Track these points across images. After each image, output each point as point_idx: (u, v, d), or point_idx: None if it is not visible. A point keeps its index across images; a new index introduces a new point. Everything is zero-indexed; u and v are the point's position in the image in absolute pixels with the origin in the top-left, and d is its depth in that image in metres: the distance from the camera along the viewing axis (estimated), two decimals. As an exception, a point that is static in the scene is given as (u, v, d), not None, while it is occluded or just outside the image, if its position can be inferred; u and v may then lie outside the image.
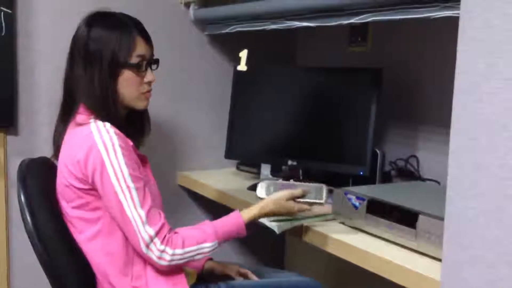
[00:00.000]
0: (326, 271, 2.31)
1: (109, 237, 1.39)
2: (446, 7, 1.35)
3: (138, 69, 1.43)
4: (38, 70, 1.98)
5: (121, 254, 1.39)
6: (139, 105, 1.48)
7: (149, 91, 1.49)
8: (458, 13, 1.07)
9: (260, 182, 1.54)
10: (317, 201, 1.48)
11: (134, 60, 1.42)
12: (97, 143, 1.33)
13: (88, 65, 1.40)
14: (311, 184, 1.52)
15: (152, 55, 1.49)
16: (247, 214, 1.45)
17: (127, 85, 1.43)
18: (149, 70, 1.47)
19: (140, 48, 1.43)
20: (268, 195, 1.49)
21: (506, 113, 0.99)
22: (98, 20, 1.44)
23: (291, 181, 1.57)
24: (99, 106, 1.40)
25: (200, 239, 1.37)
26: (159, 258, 1.34)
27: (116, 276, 1.40)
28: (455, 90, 1.07)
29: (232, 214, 1.45)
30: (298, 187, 1.50)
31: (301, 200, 1.48)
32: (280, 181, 1.57)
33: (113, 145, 1.33)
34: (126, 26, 1.43)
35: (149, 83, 1.47)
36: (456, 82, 1.07)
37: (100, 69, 1.39)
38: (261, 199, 1.49)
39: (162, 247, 1.33)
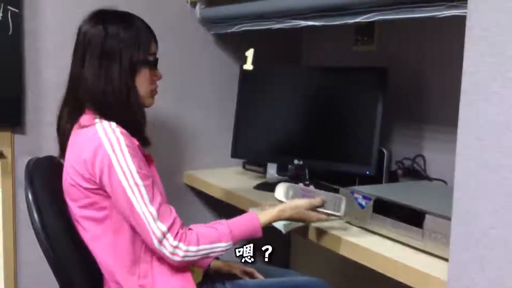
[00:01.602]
0: (332, 270, 2.30)
1: (116, 236, 1.40)
2: (452, 6, 1.34)
3: (154, 66, 1.47)
4: (45, 70, 1.99)
5: (128, 253, 1.40)
6: (149, 102, 1.50)
7: (156, 88, 1.51)
8: (465, 12, 1.06)
9: (280, 183, 1.53)
10: (336, 213, 1.48)
11: (150, 58, 1.45)
12: (104, 143, 1.34)
13: (105, 64, 1.39)
14: (330, 194, 1.52)
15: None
16: (264, 217, 1.44)
17: (143, 83, 1.45)
18: (157, 68, 1.50)
19: (153, 46, 1.47)
20: (287, 199, 1.49)
21: (514, 113, 0.99)
22: (112, 18, 1.43)
23: (311, 187, 1.56)
24: (115, 105, 1.39)
25: (215, 239, 1.37)
26: (172, 254, 1.33)
27: (123, 275, 1.40)
28: (462, 90, 1.07)
29: (248, 215, 1.45)
30: (317, 195, 1.49)
31: (320, 210, 1.47)
32: (300, 185, 1.55)
33: (119, 144, 1.34)
34: (141, 24, 1.45)
35: (157, 80, 1.50)
36: (463, 82, 1.07)
37: (120, 67, 1.40)
38: (280, 201, 1.49)
39: (175, 243, 1.33)
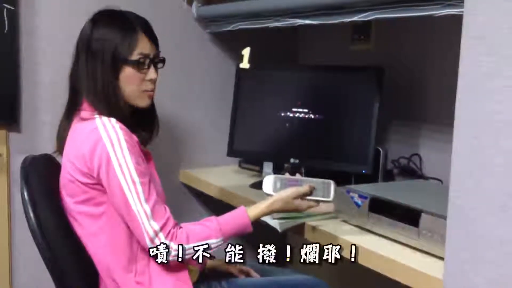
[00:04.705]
0: (328, 269, 2.30)
1: (113, 233, 1.40)
2: (449, 5, 1.34)
3: (138, 66, 1.44)
4: (41, 68, 1.98)
5: (125, 250, 1.40)
6: (141, 103, 1.48)
7: (152, 90, 1.49)
8: (462, 11, 1.06)
9: (266, 176, 1.52)
10: (325, 199, 1.47)
11: (135, 57, 1.43)
12: (103, 137, 1.34)
13: (91, 61, 1.42)
14: (318, 180, 1.50)
15: (158, 54, 1.49)
16: (254, 211, 1.44)
17: (128, 82, 1.43)
18: (152, 68, 1.47)
19: (143, 46, 1.44)
20: (275, 191, 1.48)
21: (510, 112, 0.99)
22: (103, 17, 1.45)
23: (297, 176, 1.56)
24: (102, 102, 1.41)
25: (205, 235, 1.38)
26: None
27: (120, 272, 1.40)
28: (458, 89, 1.07)
29: (237, 211, 1.45)
30: (305, 183, 1.48)
31: (309, 198, 1.47)
32: (287, 175, 1.55)
33: (118, 139, 1.34)
34: (130, 24, 1.44)
35: (151, 81, 1.47)
36: (459, 81, 1.07)
37: (102, 65, 1.41)
38: (268, 195, 1.49)
39: (166, 242, 1.33)
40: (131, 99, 1.46)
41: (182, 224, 1.40)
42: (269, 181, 1.50)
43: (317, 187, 1.48)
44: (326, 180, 1.50)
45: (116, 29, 1.42)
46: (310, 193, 1.47)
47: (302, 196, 1.47)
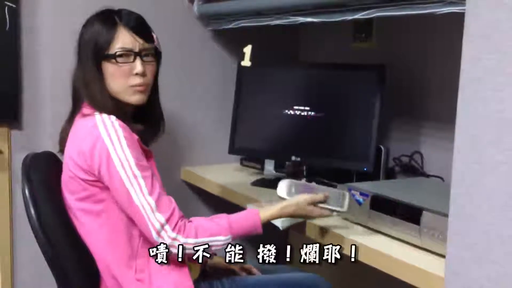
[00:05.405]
0: (328, 266, 2.30)
1: (113, 230, 1.40)
2: (451, 3, 1.34)
3: (117, 60, 1.40)
4: (42, 66, 1.98)
5: (125, 247, 1.40)
6: (131, 99, 1.44)
7: (141, 84, 1.44)
8: (463, 9, 1.06)
9: (282, 180, 1.52)
10: (339, 209, 1.47)
11: (113, 51, 1.40)
12: (102, 134, 1.34)
13: (81, 62, 1.45)
14: (334, 189, 1.51)
15: (148, 48, 1.45)
16: (265, 213, 1.44)
17: (112, 78, 1.42)
18: (138, 62, 1.42)
19: (123, 40, 1.41)
20: (289, 195, 1.48)
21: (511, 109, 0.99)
22: (92, 18, 1.46)
23: (313, 184, 1.55)
24: (94, 100, 1.41)
25: (214, 232, 1.37)
26: (171, 246, 1.33)
27: (120, 269, 1.40)
28: (460, 86, 1.07)
29: (249, 211, 1.45)
30: (320, 191, 1.48)
31: (322, 205, 1.47)
32: (303, 181, 1.55)
33: (118, 136, 1.34)
34: (112, 20, 1.42)
35: (139, 75, 1.42)
36: (460, 79, 1.07)
37: (86, 64, 1.42)
38: (282, 198, 1.49)
39: (173, 235, 1.33)
40: (121, 96, 1.43)
41: (192, 218, 1.39)
42: (284, 185, 1.50)
43: (332, 196, 1.48)
44: (342, 191, 1.51)
45: (98, 27, 1.42)
46: (324, 201, 1.47)
47: (316, 204, 1.47)
